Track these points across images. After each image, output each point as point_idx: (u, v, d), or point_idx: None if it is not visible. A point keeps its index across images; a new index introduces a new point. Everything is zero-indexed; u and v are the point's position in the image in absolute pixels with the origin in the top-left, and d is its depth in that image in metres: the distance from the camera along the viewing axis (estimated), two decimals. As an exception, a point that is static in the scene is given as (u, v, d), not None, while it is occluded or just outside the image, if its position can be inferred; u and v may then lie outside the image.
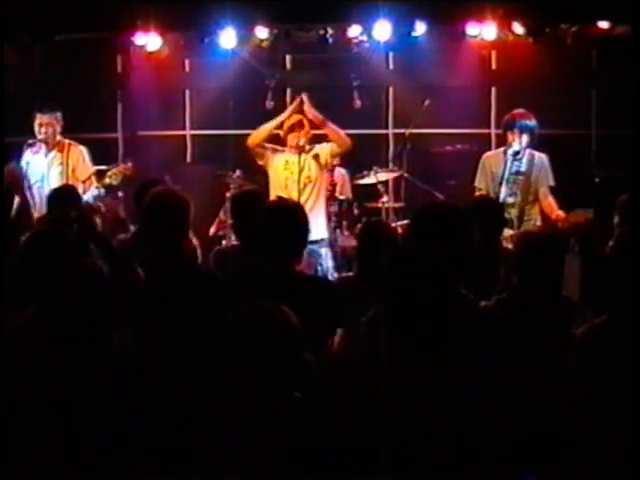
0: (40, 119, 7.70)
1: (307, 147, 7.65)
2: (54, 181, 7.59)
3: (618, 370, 3.65)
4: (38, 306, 3.67)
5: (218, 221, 8.50)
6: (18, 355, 3.58)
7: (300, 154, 7.56)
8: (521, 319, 4.30)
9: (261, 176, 8.08)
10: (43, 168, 7.74)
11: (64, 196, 6.23)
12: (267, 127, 7.77)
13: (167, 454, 3.21)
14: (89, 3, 8.23)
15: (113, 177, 7.38)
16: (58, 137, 7.77)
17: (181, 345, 4.06)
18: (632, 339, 3.65)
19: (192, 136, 10.09)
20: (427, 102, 8.54)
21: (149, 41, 8.78)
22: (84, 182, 7.51)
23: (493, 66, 9.50)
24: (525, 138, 7.25)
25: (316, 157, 7.66)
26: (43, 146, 7.73)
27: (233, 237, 7.23)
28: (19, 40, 8.54)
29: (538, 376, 4.09)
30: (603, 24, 8.53)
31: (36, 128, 7.71)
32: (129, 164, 7.51)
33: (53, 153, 7.75)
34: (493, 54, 9.47)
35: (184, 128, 10.09)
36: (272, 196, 7.57)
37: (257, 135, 7.77)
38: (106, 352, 3.65)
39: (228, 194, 8.35)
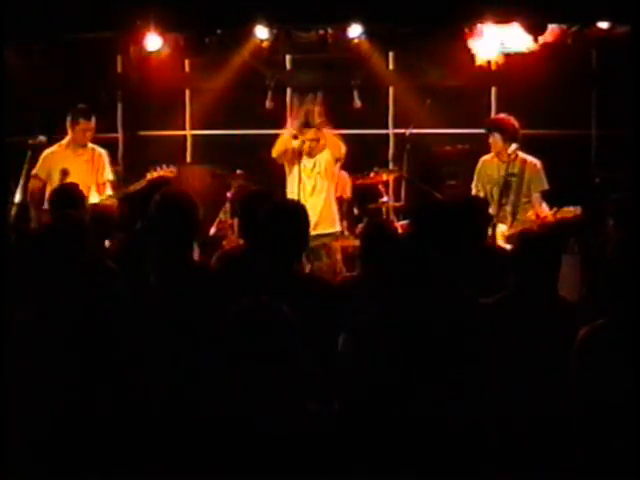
0: (85, 124, 7.95)
1: (315, 147, 7.69)
2: (82, 180, 7.68)
3: (619, 371, 3.65)
4: (43, 303, 3.67)
5: (218, 221, 8.50)
6: (21, 351, 3.59)
7: (311, 155, 7.62)
8: (518, 318, 4.30)
9: (262, 176, 8.11)
10: (71, 167, 7.91)
11: (69, 195, 6.26)
12: (284, 138, 7.79)
13: (171, 451, 3.21)
14: (89, 3, 8.23)
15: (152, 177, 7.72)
16: None
17: (185, 345, 4.06)
18: (633, 340, 3.65)
19: (192, 136, 10.09)
20: (428, 102, 8.59)
21: (149, 41, 8.80)
22: (102, 184, 7.90)
23: (493, 66, 9.48)
24: (495, 138, 7.50)
25: (323, 158, 7.74)
26: (70, 145, 8.00)
27: (233, 237, 7.27)
28: (19, 40, 8.55)
29: (536, 376, 4.09)
30: (603, 24, 8.54)
31: (79, 133, 7.96)
32: (172, 167, 7.87)
33: (80, 152, 8.00)
34: (493, 54, 9.47)
35: (184, 128, 10.09)
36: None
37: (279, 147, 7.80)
38: (112, 350, 3.66)
39: (228, 194, 8.37)
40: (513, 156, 7.46)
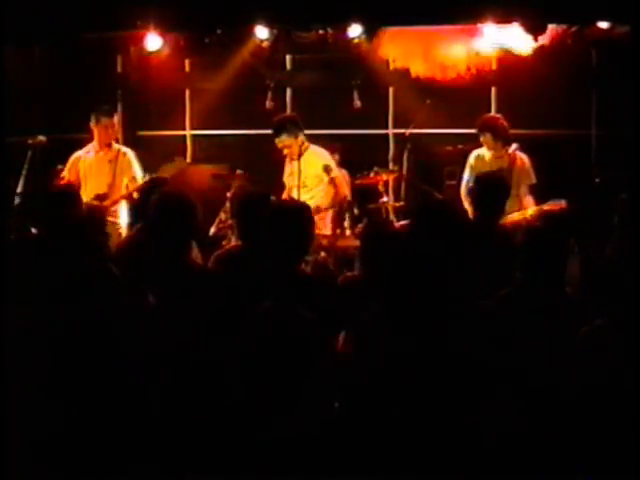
0: (106, 122, 8.06)
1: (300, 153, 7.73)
2: (103, 180, 7.93)
3: (618, 371, 3.65)
4: (41, 305, 3.68)
5: (218, 221, 8.49)
6: (21, 353, 3.59)
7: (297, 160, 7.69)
8: (523, 315, 4.30)
9: (262, 175, 8.12)
10: (94, 167, 8.05)
11: (67, 195, 6.27)
12: None
13: (176, 451, 3.22)
14: (89, 3, 8.23)
15: (168, 172, 7.70)
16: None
17: (184, 346, 4.06)
18: (632, 340, 3.65)
19: (192, 136, 10.09)
20: (428, 102, 8.62)
21: (149, 41, 8.80)
22: (131, 182, 7.95)
23: (493, 66, 9.49)
24: (487, 138, 7.87)
25: (311, 163, 7.77)
26: (95, 146, 8.11)
27: (233, 237, 7.27)
28: (19, 40, 8.56)
29: (539, 374, 4.09)
30: (603, 24, 8.54)
31: (102, 131, 8.05)
32: (183, 160, 7.97)
33: (105, 152, 8.10)
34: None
35: (184, 128, 10.09)
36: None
37: None
38: (113, 351, 3.66)
39: (228, 194, 8.36)
40: (504, 152, 7.81)
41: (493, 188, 6.12)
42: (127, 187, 7.93)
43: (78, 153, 8.16)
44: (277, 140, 7.84)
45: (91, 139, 8.15)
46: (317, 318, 3.23)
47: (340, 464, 3.21)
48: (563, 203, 7.34)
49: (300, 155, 7.73)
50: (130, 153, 8.18)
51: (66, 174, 8.08)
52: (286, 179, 7.93)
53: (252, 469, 3.08)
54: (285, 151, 7.86)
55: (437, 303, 3.80)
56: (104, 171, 8.02)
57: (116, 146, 8.20)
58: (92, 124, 8.10)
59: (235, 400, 3.16)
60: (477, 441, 3.63)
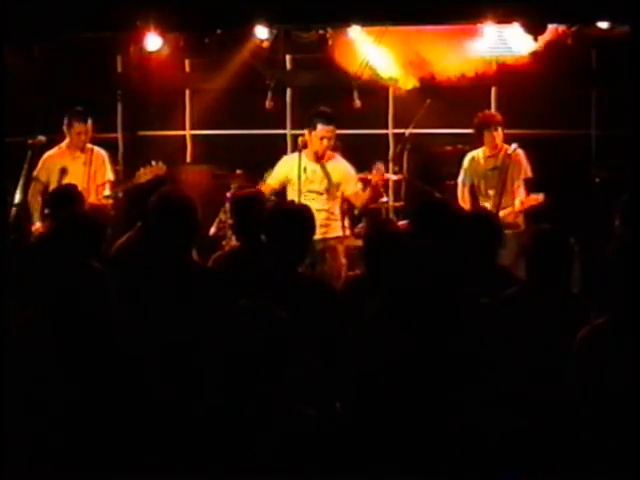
0: (79, 127, 8.02)
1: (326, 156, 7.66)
2: (77, 183, 7.70)
3: (618, 371, 3.65)
4: (40, 305, 3.67)
5: (218, 221, 8.50)
6: (20, 353, 3.59)
7: (319, 162, 7.60)
8: (528, 315, 4.31)
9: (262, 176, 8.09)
10: (69, 169, 7.97)
11: (68, 195, 6.27)
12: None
13: (168, 451, 3.21)
14: (89, 3, 8.23)
15: (144, 177, 7.59)
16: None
17: (183, 346, 4.06)
18: (632, 340, 3.65)
19: (192, 136, 10.10)
20: (428, 102, 8.63)
21: (149, 41, 8.80)
22: (101, 185, 7.95)
23: (493, 66, 9.49)
24: (499, 132, 7.96)
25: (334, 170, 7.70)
26: (69, 146, 8.08)
27: (233, 237, 7.27)
28: (19, 40, 8.56)
29: (541, 373, 4.09)
30: (603, 24, 8.55)
31: (75, 136, 8.03)
32: (161, 165, 7.74)
33: (78, 154, 8.06)
34: (493, 54, 9.47)
35: (184, 128, 10.09)
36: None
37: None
38: (107, 351, 3.65)
39: (228, 194, 8.37)
40: (499, 148, 7.92)
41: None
42: (98, 190, 7.90)
43: (49, 153, 8.12)
44: (330, 129, 7.58)
45: (62, 139, 8.12)
46: (310, 320, 3.22)
47: (340, 464, 3.20)
48: (540, 197, 7.51)
49: (332, 155, 7.65)
50: (104, 155, 8.15)
51: (37, 174, 8.01)
52: (299, 184, 7.53)
53: (238, 469, 3.08)
54: (324, 143, 7.57)
55: (438, 302, 3.80)
56: (78, 174, 7.95)
57: (89, 146, 8.14)
58: (65, 127, 8.08)
59: (217, 400, 3.16)
60: (477, 440, 3.64)
